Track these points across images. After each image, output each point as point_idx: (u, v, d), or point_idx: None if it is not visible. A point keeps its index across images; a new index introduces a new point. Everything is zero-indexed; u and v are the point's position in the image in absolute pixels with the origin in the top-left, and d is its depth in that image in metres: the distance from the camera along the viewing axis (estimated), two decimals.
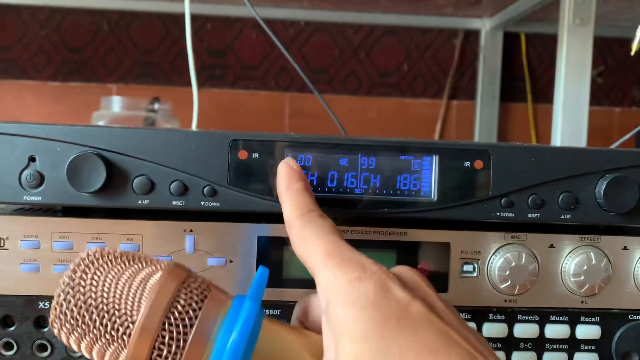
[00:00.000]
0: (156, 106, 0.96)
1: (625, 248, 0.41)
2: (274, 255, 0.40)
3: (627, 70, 1.17)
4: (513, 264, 0.40)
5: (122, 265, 0.30)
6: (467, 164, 0.39)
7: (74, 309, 0.29)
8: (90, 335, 0.29)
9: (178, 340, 0.28)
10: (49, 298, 0.38)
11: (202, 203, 0.38)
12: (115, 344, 0.29)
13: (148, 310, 0.28)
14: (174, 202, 0.37)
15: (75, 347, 0.30)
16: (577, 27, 0.79)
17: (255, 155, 0.38)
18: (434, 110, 1.14)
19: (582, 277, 0.40)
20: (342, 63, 1.13)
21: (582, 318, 0.41)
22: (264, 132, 0.39)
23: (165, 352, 0.28)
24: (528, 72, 1.14)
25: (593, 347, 0.41)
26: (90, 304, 0.29)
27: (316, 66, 1.12)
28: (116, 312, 0.29)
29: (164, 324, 0.28)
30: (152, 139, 0.37)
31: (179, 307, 0.29)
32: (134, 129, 0.37)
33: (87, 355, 0.30)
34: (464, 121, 1.14)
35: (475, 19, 1.11)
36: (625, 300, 0.41)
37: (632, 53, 0.67)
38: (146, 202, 0.37)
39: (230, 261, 0.39)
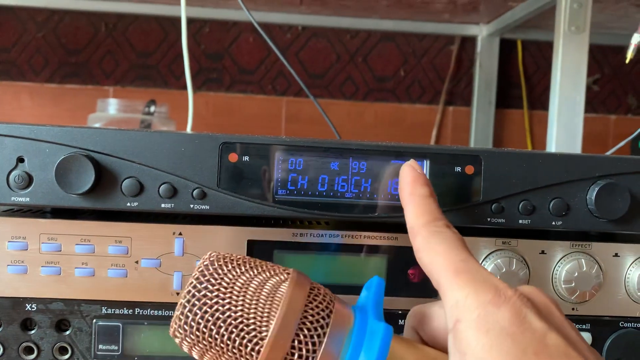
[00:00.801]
0: (152, 109, 0.95)
1: (616, 255, 0.41)
2: (264, 259, 0.39)
3: (623, 78, 1.17)
4: (503, 270, 0.39)
5: (249, 274, 0.29)
6: (458, 169, 0.39)
7: (201, 321, 0.27)
8: (216, 349, 0.28)
9: (307, 357, 0.27)
10: (36, 300, 0.38)
11: (192, 206, 0.37)
12: (243, 359, 0.28)
13: (279, 326, 0.27)
14: (163, 205, 0.37)
15: (196, 358, 0.29)
16: (573, 34, 0.79)
17: (246, 158, 0.38)
18: (430, 115, 1.14)
19: (573, 284, 0.40)
20: (339, 68, 1.13)
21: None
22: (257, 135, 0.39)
23: None
24: (524, 79, 1.14)
25: None
26: (218, 318, 0.27)
27: (313, 71, 1.12)
28: (245, 328, 0.27)
29: (293, 340, 0.27)
30: (141, 141, 0.37)
31: (308, 323, 0.28)
32: (123, 131, 0.37)
33: None
34: (459, 127, 1.14)
35: (472, 25, 1.11)
36: (616, 308, 0.41)
37: (627, 61, 0.68)
38: (135, 204, 0.37)
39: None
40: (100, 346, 0.39)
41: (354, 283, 0.40)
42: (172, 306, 0.39)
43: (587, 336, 0.41)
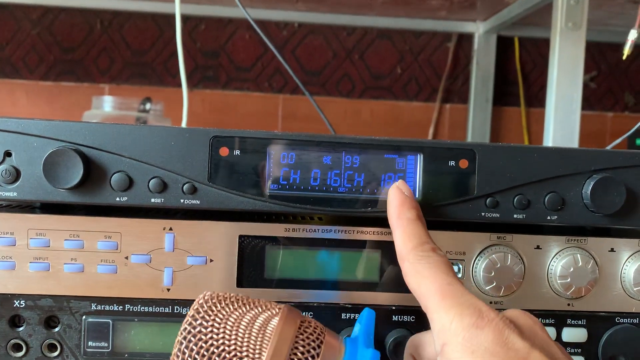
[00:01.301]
0: (148, 106, 0.95)
1: (612, 250, 0.41)
2: (256, 254, 0.39)
3: (620, 75, 1.17)
4: (498, 265, 0.39)
5: (241, 310, 0.30)
6: (452, 163, 0.38)
7: (197, 357, 0.29)
8: None
9: None
10: (25, 296, 0.38)
11: (182, 201, 0.37)
12: None
13: (271, 357, 0.29)
14: (152, 200, 0.37)
15: None
16: (570, 31, 0.79)
17: (237, 152, 0.37)
18: (427, 113, 1.14)
19: (569, 279, 0.40)
20: (335, 65, 1.12)
21: (569, 321, 0.41)
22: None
23: None
24: (521, 76, 1.14)
25: (579, 350, 0.41)
26: (213, 352, 0.29)
27: (310, 68, 1.12)
28: None
29: None
30: (131, 135, 0.36)
31: (299, 354, 0.29)
32: (112, 125, 0.36)
33: None
34: (456, 125, 1.14)
35: (469, 22, 1.10)
36: (612, 303, 0.41)
37: (624, 57, 0.67)
38: (124, 199, 0.37)
39: (211, 260, 0.39)
40: (90, 343, 0.38)
41: (346, 278, 0.40)
42: (162, 302, 0.39)
43: (582, 332, 0.41)
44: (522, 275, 0.39)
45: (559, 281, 0.40)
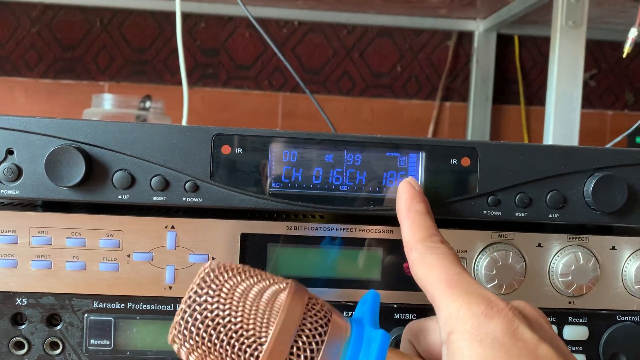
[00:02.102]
0: (147, 104, 0.95)
1: (613, 248, 0.41)
2: (258, 253, 0.39)
3: (620, 74, 1.17)
4: (500, 263, 0.39)
5: (248, 282, 0.29)
6: (454, 161, 0.38)
7: (201, 326, 0.28)
8: (214, 354, 0.28)
9: None
10: (27, 295, 0.38)
11: (184, 199, 0.37)
12: None
13: (278, 333, 0.27)
14: (154, 198, 0.37)
15: None
16: (570, 29, 0.79)
17: (239, 150, 0.37)
18: (427, 111, 1.14)
19: (570, 277, 0.40)
20: (335, 63, 1.12)
21: (570, 318, 0.41)
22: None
23: None
24: (521, 75, 1.14)
25: (580, 348, 0.41)
26: (218, 323, 0.28)
27: (310, 66, 1.12)
28: (244, 333, 0.28)
29: (292, 347, 0.28)
30: (133, 133, 0.36)
31: (306, 330, 0.28)
32: (114, 123, 0.36)
33: None
34: (456, 123, 1.14)
35: (469, 20, 1.10)
36: (613, 301, 0.41)
37: (624, 55, 0.67)
38: (126, 197, 0.37)
39: (213, 258, 0.39)
40: (92, 341, 0.38)
41: (348, 277, 0.40)
42: (164, 300, 0.39)
43: (583, 330, 0.41)
44: (523, 273, 0.40)
45: (560, 279, 0.40)
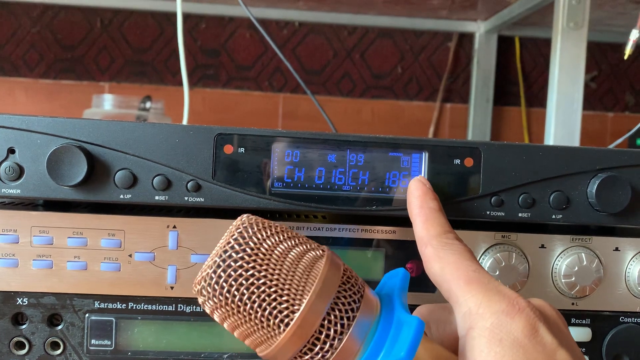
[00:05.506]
0: (148, 105, 0.95)
1: (616, 249, 0.40)
2: None
3: (621, 76, 1.17)
4: (503, 264, 0.39)
5: (287, 244, 0.27)
6: (457, 161, 0.38)
7: (234, 284, 0.25)
8: (239, 315, 0.26)
9: (333, 339, 0.26)
10: (28, 294, 0.37)
11: (186, 198, 0.37)
12: (265, 330, 0.26)
13: (313, 301, 0.25)
14: (156, 197, 0.37)
15: (217, 320, 0.27)
16: (571, 30, 0.79)
17: (242, 150, 0.37)
18: (428, 113, 1.14)
19: (573, 278, 0.39)
20: (336, 64, 1.12)
21: (573, 320, 0.41)
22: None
23: (317, 349, 0.26)
24: (522, 76, 1.14)
25: (583, 350, 0.41)
26: (252, 283, 0.25)
27: (310, 67, 1.12)
28: (278, 298, 0.25)
29: (323, 319, 0.26)
30: (135, 132, 0.36)
31: (339, 304, 0.26)
32: (116, 122, 0.36)
33: (228, 330, 0.27)
34: (457, 124, 1.14)
35: (469, 22, 1.10)
36: (616, 302, 0.41)
37: (625, 57, 0.67)
38: (128, 196, 0.36)
39: None
40: (93, 341, 0.38)
41: None
42: (166, 300, 0.38)
43: (586, 331, 0.41)
44: (526, 274, 0.39)
45: (563, 280, 0.40)
